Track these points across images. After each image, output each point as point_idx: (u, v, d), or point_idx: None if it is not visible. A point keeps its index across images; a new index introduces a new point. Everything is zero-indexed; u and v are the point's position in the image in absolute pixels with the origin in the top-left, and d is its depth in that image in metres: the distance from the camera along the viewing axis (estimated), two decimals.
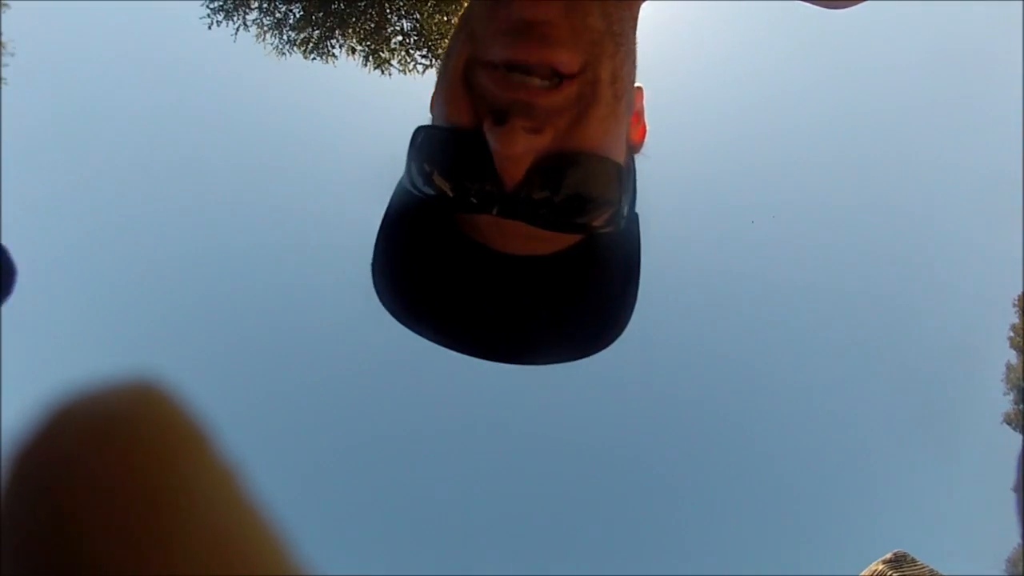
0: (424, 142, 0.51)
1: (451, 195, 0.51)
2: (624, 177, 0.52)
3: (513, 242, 0.53)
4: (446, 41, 7.48)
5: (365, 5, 6.80)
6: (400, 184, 0.56)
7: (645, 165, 0.59)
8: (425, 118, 0.55)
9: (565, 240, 0.53)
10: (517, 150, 0.47)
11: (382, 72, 7.17)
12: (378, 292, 0.58)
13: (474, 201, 0.50)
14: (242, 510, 0.19)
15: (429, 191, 0.51)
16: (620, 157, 0.52)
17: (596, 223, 0.51)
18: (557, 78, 0.48)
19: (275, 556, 0.19)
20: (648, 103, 0.61)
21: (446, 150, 0.51)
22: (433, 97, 0.55)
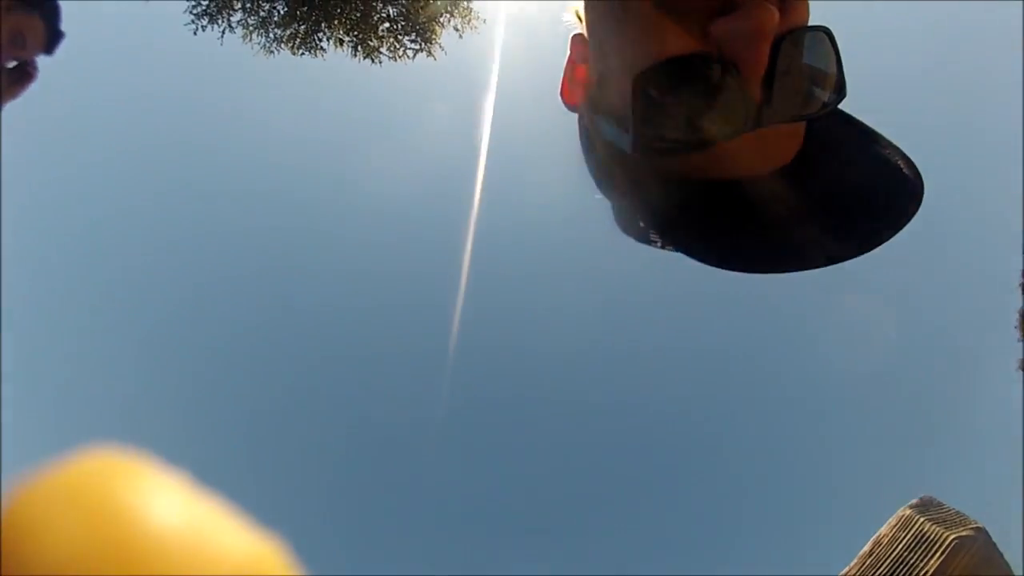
0: (660, 86, 0.47)
1: (712, 134, 0.47)
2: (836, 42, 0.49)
3: (754, 163, 0.50)
4: (434, 24, 7.41)
5: None
6: (616, 171, 0.54)
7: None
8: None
9: (796, 142, 0.51)
10: (770, 23, 0.44)
11: (372, 61, 7.10)
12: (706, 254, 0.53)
13: (724, 125, 0.47)
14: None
15: (690, 138, 0.48)
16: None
17: (833, 96, 0.49)
18: None
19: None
20: None
21: (698, 75, 0.46)
22: (609, 60, 0.51)
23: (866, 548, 3.48)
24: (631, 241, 0.58)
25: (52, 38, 2.06)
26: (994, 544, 3.22)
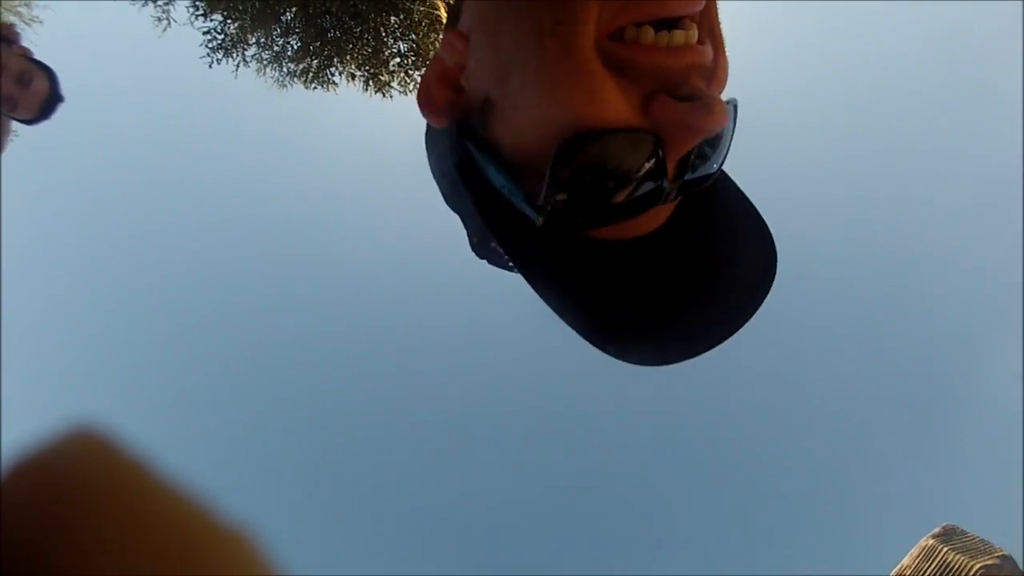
0: (584, 161, 0.42)
1: (625, 201, 0.44)
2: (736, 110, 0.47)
3: (649, 225, 0.48)
4: None
5: (361, 31, 6.88)
6: (506, 226, 0.48)
7: None
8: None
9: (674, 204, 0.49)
10: (724, 121, 0.42)
11: (383, 95, 7.25)
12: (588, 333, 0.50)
13: (642, 198, 0.44)
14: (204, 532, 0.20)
15: (604, 214, 0.45)
16: None
17: (721, 161, 0.49)
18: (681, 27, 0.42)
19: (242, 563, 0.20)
20: None
21: (632, 154, 0.42)
22: (514, 94, 0.44)
23: None
24: None
25: (53, 97, 2.15)
26: (1020, 571, 3.11)
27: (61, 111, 2.19)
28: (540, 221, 0.44)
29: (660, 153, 0.42)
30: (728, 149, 0.48)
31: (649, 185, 0.43)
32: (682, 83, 0.42)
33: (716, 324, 0.50)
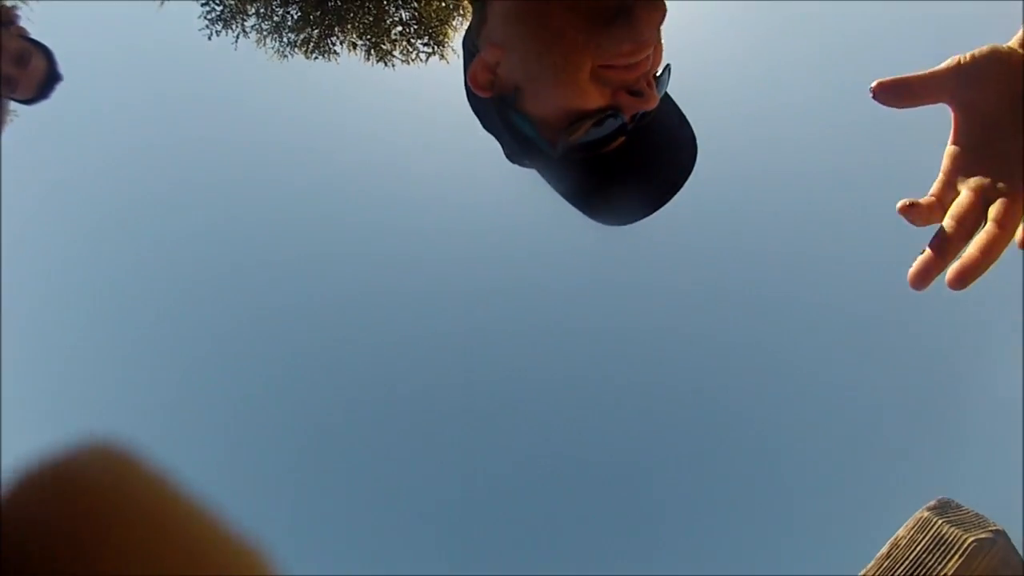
0: (582, 129, 0.75)
1: (603, 141, 0.77)
2: (669, 71, 0.79)
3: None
4: (446, 27, 7.45)
5: (361, 0, 6.75)
6: (537, 156, 0.83)
7: None
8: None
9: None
10: (655, 103, 0.75)
11: (385, 64, 7.15)
12: (613, 213, 0.85)
13: (613, 136, 0.77)
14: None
15: (592, 143, 0.77)
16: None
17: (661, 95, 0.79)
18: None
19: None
20: None
21: (598, 124, 0.75)
22: (539, 90, 0.76)
23: (883, 550, 3.47)
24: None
25: (52, 76, 2.15)
26: (1013, 546, 3.21)
27: (59, 89, 2.21)
28: (556, 155, 0.79)
29: (621, 116, 0.75)
30: (667, 84, 0.79)
31: (617, 132, 0.76)
32: (635, 85, 0.74)
33: (669, 181, 0.83)
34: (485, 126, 0.90)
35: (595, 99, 0.73)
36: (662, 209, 0.85)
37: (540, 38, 0.74)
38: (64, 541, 0.19)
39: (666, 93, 0.82)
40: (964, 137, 0.61)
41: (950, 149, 0.62)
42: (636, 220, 0.85)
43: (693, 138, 0.85)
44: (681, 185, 0.84)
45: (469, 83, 0.82)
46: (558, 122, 0.76)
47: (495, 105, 0.82)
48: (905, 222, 0.61)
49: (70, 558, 0.19)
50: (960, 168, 0.61)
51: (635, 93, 0.74)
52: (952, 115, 0.62)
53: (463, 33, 0.88)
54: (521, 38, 0.76)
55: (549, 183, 0.86)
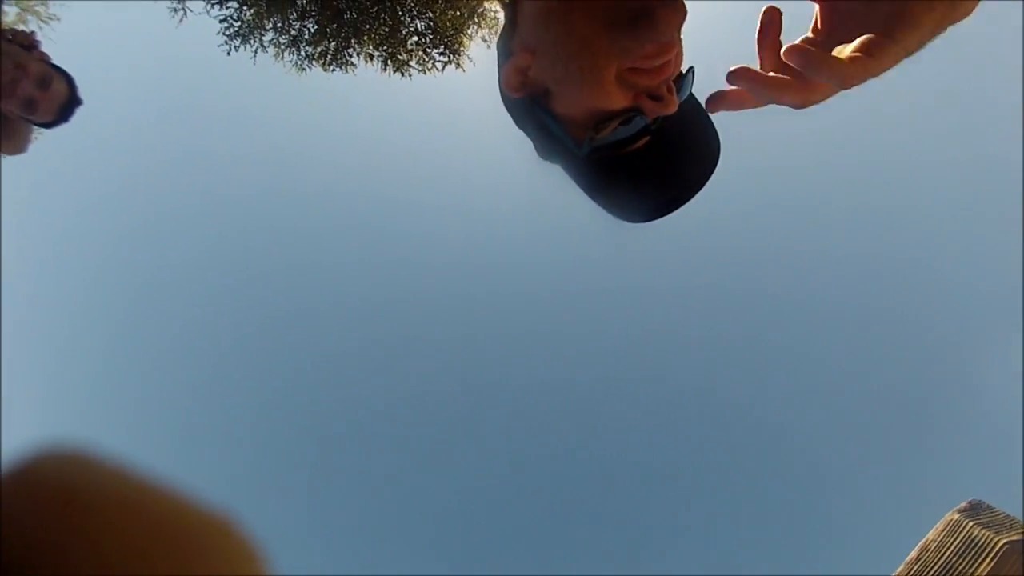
0: (607, 129, 0.79)
1: (626, 140, 0.80)
2: (693, 75, 0.82)
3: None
4: (462, 36, 7.50)
5: (377, 11, 6.82)
6: (565, 155, 0.86)
7: None
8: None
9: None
10: (675, 108, 0.78)
11: (402, 75, 7.22)
12: (633, 210, 0.88)
13: (637, 136, 0.80)
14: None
15: (617, 142, 0.80)
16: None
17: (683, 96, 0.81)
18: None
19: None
20: None
21: (623, 125, 0.78)
22: (567, 92, 0.79)
23: (913, 554, 3.43)
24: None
25: (72, 101, 2.21)
26: None
27: (81, 110, 2.28)
28: (582, 154, 0.82)
29: (643, 117, 0.77)
30: (690, 87, 0.82)
31: (643, 132, 0.79)
32: (656, 89, 0.76)
33: (691, 180, 0.85)
34: (518, 124, 0.93)
35: (619, 101, 0.76)
36: (684, 208, 0.87)
37: (566, 43, 0.76)
38: (34, 547, 0.19)
39: (692, 95, 0.84)
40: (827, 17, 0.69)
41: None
42: (653, 219, 0.88)
43: (717, 147, 0.87)
44: (696, 191, 0.86)
45: (502, 85, 0.85)
46: (585, 121, 0.79)
47: (526, 105, 0.85)
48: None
49: (43, 563, 0.19)
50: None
51: (656, 98, 0.77)
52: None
53: (478, 41, 0.97)
54: (549, 43, 0.78)
55: (574, 180, 0.89)
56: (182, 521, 0.21)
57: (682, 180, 0.85)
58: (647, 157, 0.82)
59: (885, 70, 0.62)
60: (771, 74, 0.67)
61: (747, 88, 0.66)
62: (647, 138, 0.81)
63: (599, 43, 0.73)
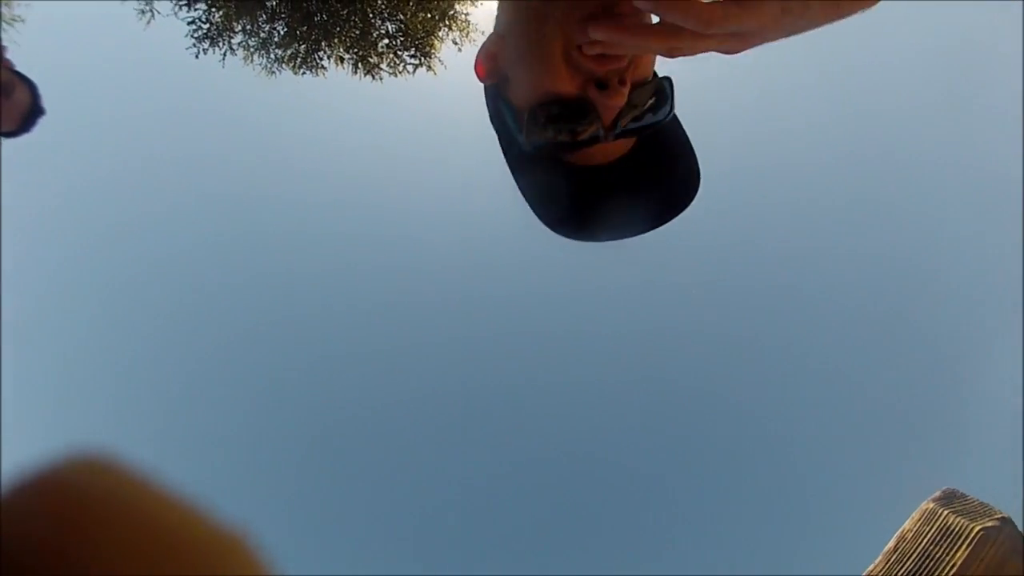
0: (547, 116, 0.74)
1: (572, 141, 0.74)
2: (670, 85, 0.77)
3: (612, 154, 0.78)
4: (432, 39, 7.49)
5: (348, 13, 6.77)
6: (515, 150, 0.80)
7: None
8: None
9: (629, 144, 0.78)
10: (621, 101, 0.72)
11: (372, 77, 7.17)
12: (550, 222, 0.83)
13: (586, 140, 0.74)
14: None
15: (561, 141, 0.74)
16: (652, 75, 0.77)
17: (663, 117, 0.77)
18: None
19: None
20: None
21: (566, 116, 0.73)
22: (518, 74, 0.76)
23: (890, 544, 3.45)
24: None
25: (35, 110, 2.15)
26: (1020, 534, 3.19)
27: (44, 118, 2.20)
28: (528, 147, 0.76)
29: (595, 113, 0.72)
30: (671, 107, 0.77)
31: (590, 133, 0.73)
32: (605, 76, 0.71)
33: (646, 214, 0.82)
34: (492, 123, 0.88)
35: (565, 82, 0.72)
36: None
37: (521, 21, 0.74)
38: (55, 553, 0.19)
39: (675, 116, 0.80)
40: None
41: None
42: (582, 240, 0.86)
43: (695, 165, 0.82)
44: (675, 213, 0.83)
45: (476, 72, 0.82)
46: (529, 103, 0.75)
47: (493, 94, 0.83)
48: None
49: (62, 569, 0.19)
50: None
51: (602, 86, 0.71)
52: None
53: (448, 44, 0.92)
54: (510, 24, 0.76)
55: (513, 174, 0.85)
56: (195, 535, 0.21)
57: (634, 219, 0.82)
58: (607, 179, 0.79)
59: (759, 25, 0.62)
60: (630, 23, 0.66)
61: (607, 40, 0.65)
62: (605, 144, 0.76)
63: (551, 14, 0.70)
